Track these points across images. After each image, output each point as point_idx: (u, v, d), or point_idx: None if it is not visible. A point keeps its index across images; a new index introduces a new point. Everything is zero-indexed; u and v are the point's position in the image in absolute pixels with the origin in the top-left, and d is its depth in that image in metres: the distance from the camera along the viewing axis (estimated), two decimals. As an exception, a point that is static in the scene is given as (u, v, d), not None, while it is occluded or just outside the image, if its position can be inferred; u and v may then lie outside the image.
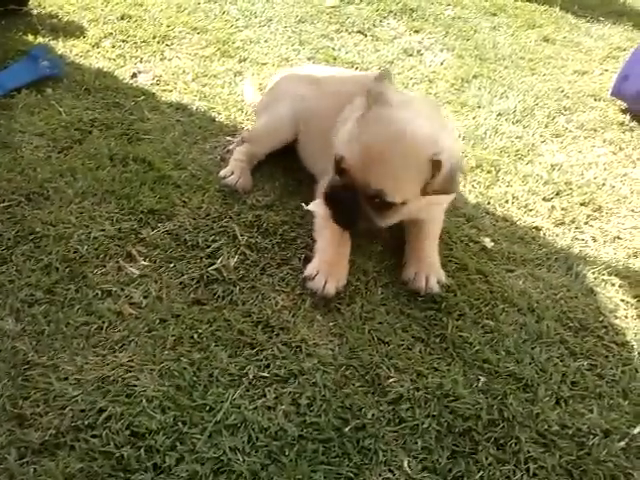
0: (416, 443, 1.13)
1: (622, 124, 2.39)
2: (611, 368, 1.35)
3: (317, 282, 1.37)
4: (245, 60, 2.34)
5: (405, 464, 1.10)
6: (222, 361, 1.21)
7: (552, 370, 1.32)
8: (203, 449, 1.06)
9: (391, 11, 3.06)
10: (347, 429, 1.13)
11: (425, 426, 1.16)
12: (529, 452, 1.16)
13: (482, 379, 1.27)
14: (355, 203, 1.35)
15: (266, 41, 2.53)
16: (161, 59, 2.24)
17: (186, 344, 1.23)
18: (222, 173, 1.67)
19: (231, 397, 1.14)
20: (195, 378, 1.17)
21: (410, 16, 3.06)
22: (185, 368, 1.18)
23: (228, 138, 1.87)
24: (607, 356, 1.38)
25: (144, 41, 2.32)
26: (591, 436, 1.20)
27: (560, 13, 3.50)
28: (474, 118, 2.24)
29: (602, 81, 2.74)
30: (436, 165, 1.30)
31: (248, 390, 1.17)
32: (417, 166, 1.31)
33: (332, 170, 1.40)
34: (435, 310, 1.41)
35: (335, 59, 2.48)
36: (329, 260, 1.42)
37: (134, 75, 2.11)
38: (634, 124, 2.39)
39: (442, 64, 2.65)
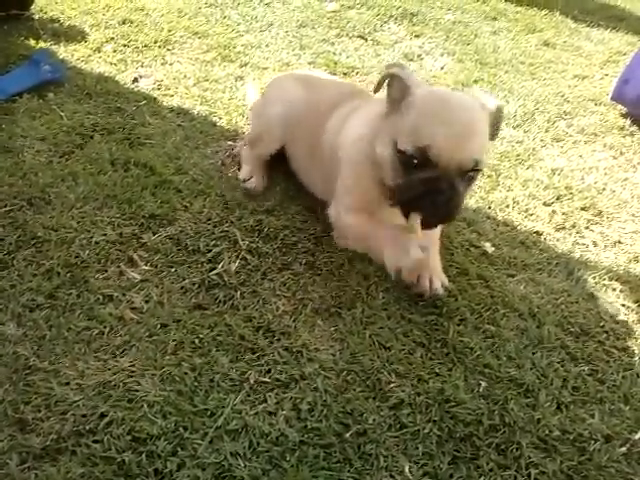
0: (417, 448, 1.13)
1: (622, 128, 2.40)
2: (612, 373, 1.35)
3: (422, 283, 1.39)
4: (246, 65, 2.35)
5: (406, 469, 1.10)
6: (223, 366, 1.21)
7: (553, 375, 1.32)
8: (204, 454, 1.05)
9: (392, 16, 3.07)
10: (348, 434, 1.13)
11: (426, 431, 1.16)
12: (530, 457, 1.15)
13: (483, 384, 1.27)
14: (455, 189, 1.28)
15: (267, 46, 2.54)
16: (162, 64, 2.25)
17: (187, 349, 1.23)
18: (241, 176, 1.71)
19: (232, 402, 1.14)
20: (196, 383, 1.17)
21: (410, 21, 3.07)
22: (186, 373, 1.18)
23: (229, 143, 1.88)
24: (608, 361, 1.38)
25: (145, 46, 2.33)
26: (592, 441, 1.20)
27: (560, 17, 3.52)
28: (475, 122, 2.25)
29: (602, 85, 2.75)
30: (499, 111, 1.35)
31: (249, 395, 1.17)
32: (487, 123, 1.33)
33: (401, 171, 1.32)
34: (436, 315, 1.41)
35: (336, 64, 2.49)
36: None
37: (135, 80, 2.12)
38: (634, 128, 2.40)
39: (442, 68, 2.66)
